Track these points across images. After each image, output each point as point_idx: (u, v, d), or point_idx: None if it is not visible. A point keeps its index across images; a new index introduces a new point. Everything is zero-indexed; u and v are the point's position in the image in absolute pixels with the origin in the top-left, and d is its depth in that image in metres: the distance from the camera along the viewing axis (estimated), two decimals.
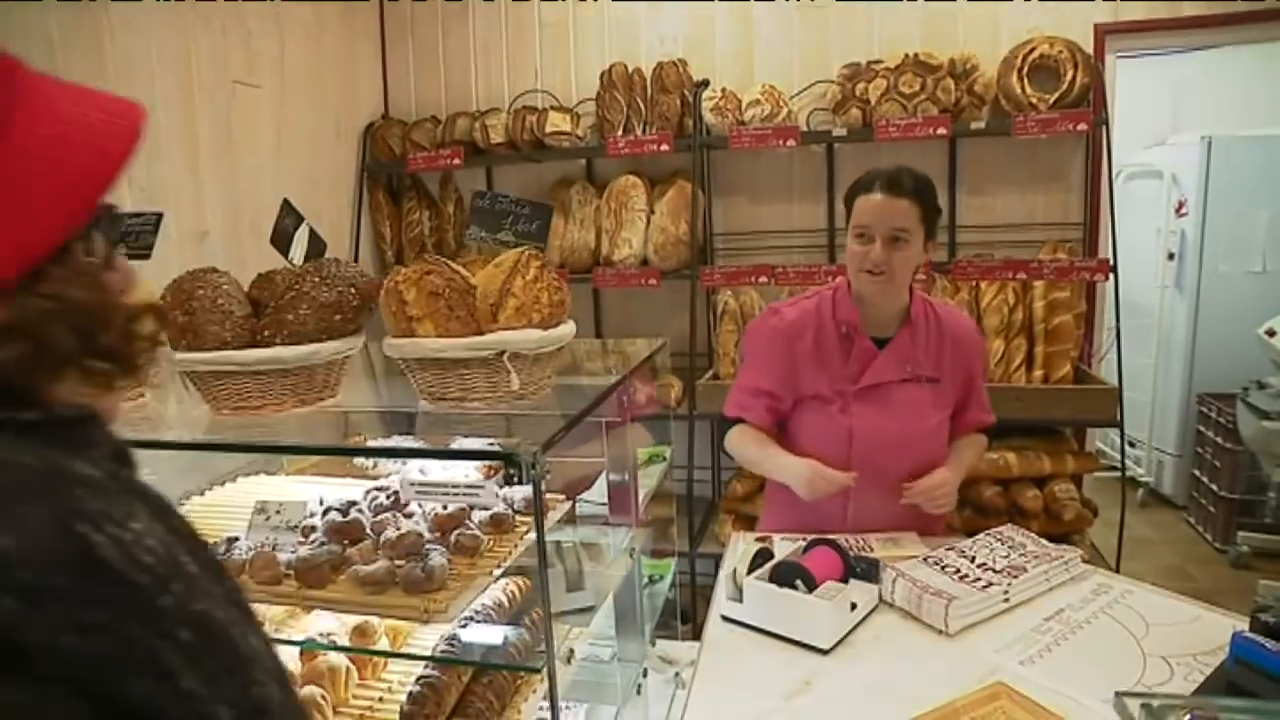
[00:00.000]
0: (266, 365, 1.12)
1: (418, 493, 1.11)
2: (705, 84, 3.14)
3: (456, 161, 3.27)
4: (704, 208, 3.21)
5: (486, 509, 1.20)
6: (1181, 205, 4.51)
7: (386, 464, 1.84)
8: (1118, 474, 3.90)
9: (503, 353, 1.10)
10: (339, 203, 3.43)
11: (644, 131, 3.12)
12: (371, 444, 1.19)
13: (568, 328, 1.24)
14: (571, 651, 1.18)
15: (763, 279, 2.93)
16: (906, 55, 2.93)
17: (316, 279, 1.19)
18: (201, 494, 1.74)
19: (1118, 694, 0.88)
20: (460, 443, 1.02)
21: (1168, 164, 4.58)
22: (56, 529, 0.42)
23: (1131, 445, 4.70)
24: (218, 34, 2.75)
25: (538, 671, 1.09)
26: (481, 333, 1.13)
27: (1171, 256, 4.57)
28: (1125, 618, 1.55)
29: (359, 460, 1.92)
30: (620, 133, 3.12)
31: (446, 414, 1.13)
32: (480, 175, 3.57)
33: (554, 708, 1.04)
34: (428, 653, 1.33)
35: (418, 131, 3.45)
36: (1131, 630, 1.51)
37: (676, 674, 1.86)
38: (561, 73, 3.46)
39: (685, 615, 2.65)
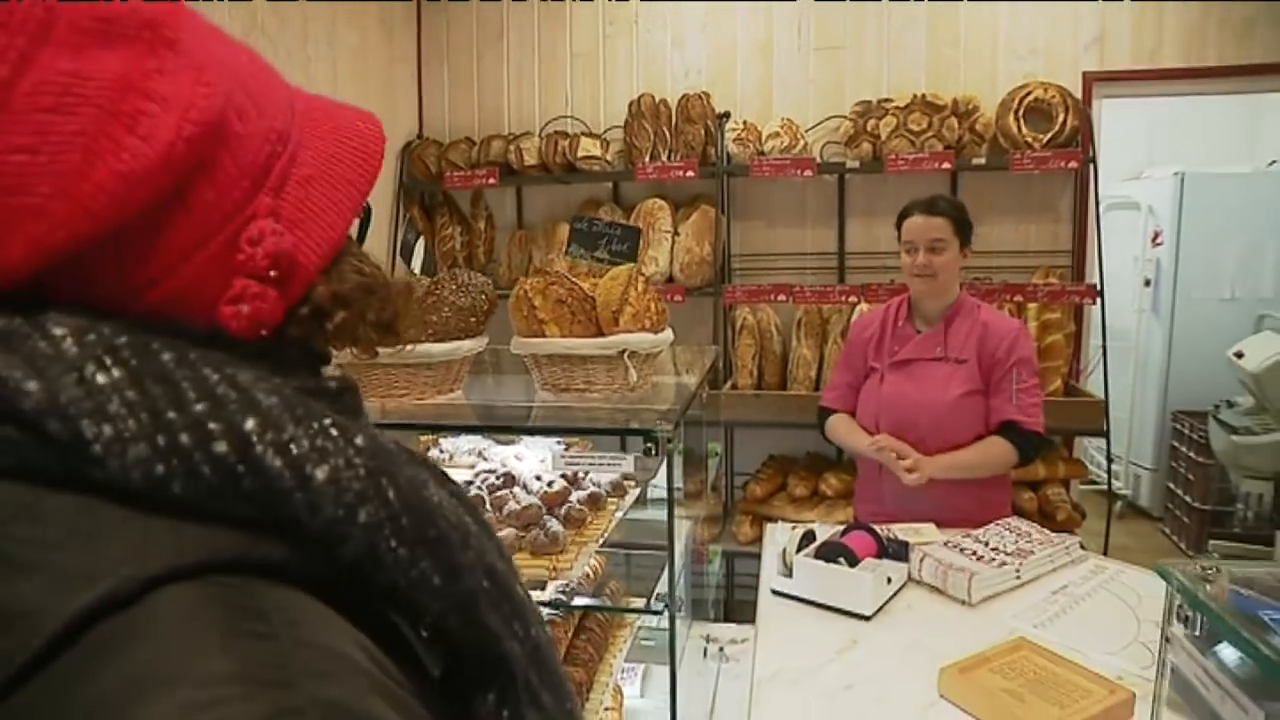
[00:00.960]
0: (416, 359, 1.33)
1: (567, 464, 1.32)
2: (727, 116, 3.40)
3: (492, 181, 3.50)
4: (724, 230, 3.45)
5: (626, 476, 1.42)
6: (1157, 235, 4.83)
7: (463, 456, 2.05)
8: (1099, 487, 4.18)
9: (624, 351, 1.33)
10: (378, 215, 3.63)
11: (670, 158, 3.37)
12: (538, 423, 1.40)
13: (669, 333, 1.47)
14: (682, 600, 1.40)
15: (781, 297, 3.18)
16: (914, 95, 3.21)
17: (453, 286, 1.40)
18: None
19: (1156, 563, 1.10)
20: (597, 423, 1.24)
21: (1144, 197, 4.91)
22: (415, 490, 0.44)
23: (1110, 460, 4.99)
24: (283, 58, 2.96)
25: (660, 614, 1.31)
26: (600, 334, 1.36)
27: (1148, 283, 4.88)
28: (1121, 592, 1.80)
29: (434, 454, 2.13)
30: (648, 159, 3.36)
31: (565, 405, 1.34)
32: (510, 194, 3.80)
33: (672, 634, 1.26)
34: None
35: (454, 152, 3.67)
36: (1127, 602, 1.75)
37: (721, 649, 2.08)
38: (590, 100, 3.70)
39: None
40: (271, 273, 0.46)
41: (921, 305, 2.25)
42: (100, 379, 0.38)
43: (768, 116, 3.40)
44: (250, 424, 0.40)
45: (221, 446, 0.39)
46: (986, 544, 1.94)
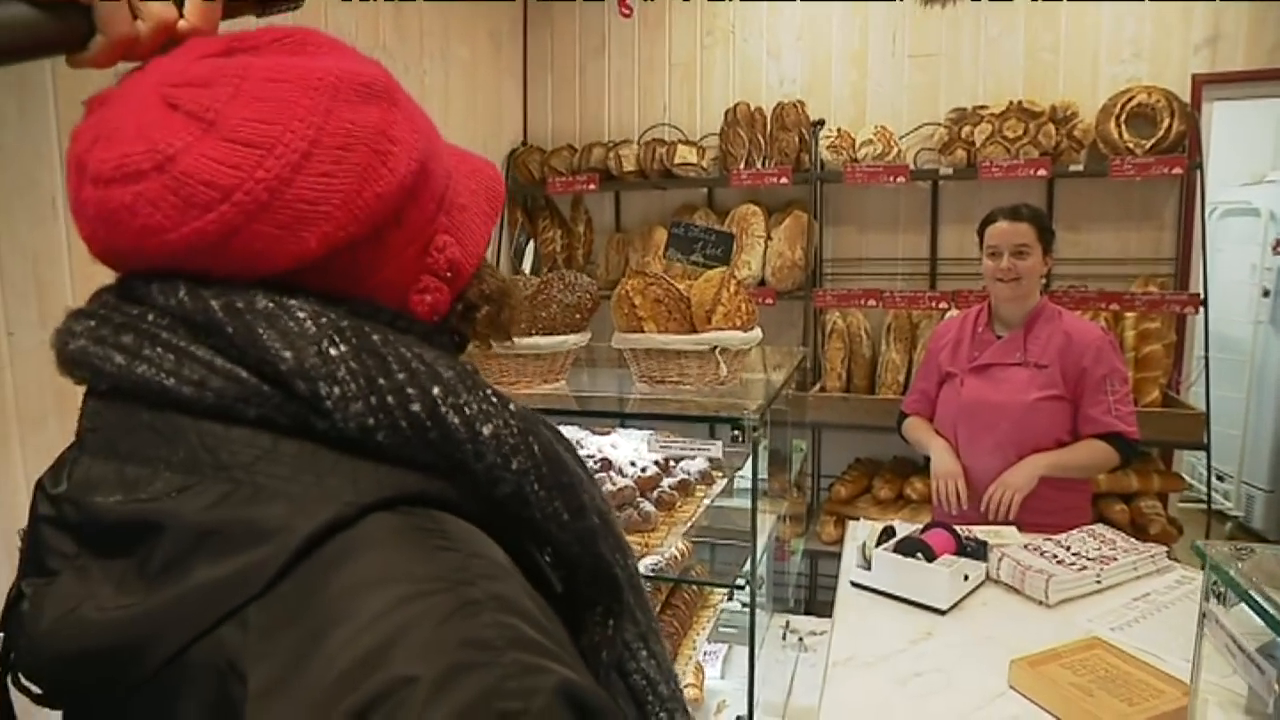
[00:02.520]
0: (527, 350, 1.48)
1: (661, 447, 1.45)
2: (821, 123, 3.46)
3: (592, 186, 3.66)
4: (816, 235, 3.52)
5: (714, 464, 1.54)
6: (1279, 243, 4.60)
7: None
8: (1203, 506, 4.02)
9: (715, 347, 1.45)
10: None
11: (764, 165, 3.46)
12: (636, 409, 1.54)
13: (758, 332, 1.58)
14: (764, 579, 1.50)
15: (871, 302, 3.22)
16: (1010, 102, 3.20)
17: (561, 285, 1.55)
18: None
19: (1194, 543, 1.14)
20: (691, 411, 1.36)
21: (1266, 201, 4.67)
22: (551, 446, 0.56)
23: (1220, 479, 4.77)
24: (401, 71, 3.20)
25: (742, 589, 1.42)
26: (694, 331, 1.48)
27: (1267, 293, 4.65)
28: None
29: None
30: (743, 165, 3.46)
31: (660, 396, 1.47)
32: (609, 199, 3.96)
33: (753, 613, 1.36)
34: None
35: (556, 158, 3.85)
36: None
37: (800, 639, 2.16)
38: (688, 108, 3.83)
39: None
40: (447, 273, 0.61)
41: (1002, 311, 2.29)
42: (333, 351, 0.52)
43: (861, 124, 3.45)
44: (436, 390, 0.53)
45: (416, 406, 0.52)
46: (1068, 548, 1.96)
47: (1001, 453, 2.21)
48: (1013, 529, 2.13)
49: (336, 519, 0.48)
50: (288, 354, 0.51)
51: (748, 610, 1.79)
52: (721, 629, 2.01)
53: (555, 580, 0.58)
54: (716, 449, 1.33)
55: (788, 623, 1.94)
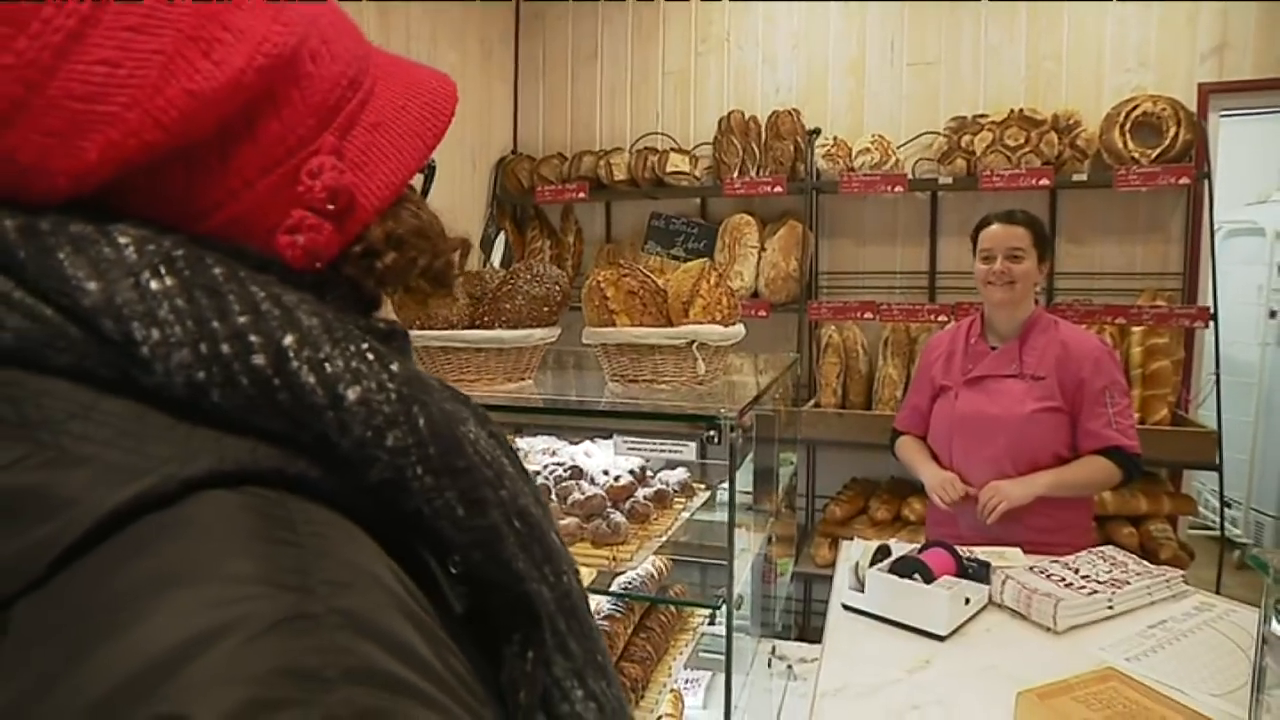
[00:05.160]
0: (488, 344, 1.36)
1: (629, 449, 1.33)
2: (817, 132, 3.37)
3: (582, 195, 3.56)
4: (811, 246, 3.41)
5: (684, 464, 1.41)
6: None
7: (537, 456, 2.07)
8: (1209, 533, 3.87)
9: (693, 342, 1.33)
10: (471, 228, 3.75)
11: (758, 174, 3.36)
12: (603, 408, 1.41)
13: (740, 328, 1.46)
14: (741, 597, 1.37)
15: (868, 315, 3.11)
16: (1011, 110, 3.10)
17: (528, 276, 1.43)
18: None
19: (1250, 554, 1.00)
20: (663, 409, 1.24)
21: (1271, 221, 4.58)
22: (446, 422, 0.45)
23: (1228, 505, 4.63)
24: None
25: (717, 608, 1.29)
26: (670, 325, 1.36)
27: (1274, 314, 4.55)
28: (1231, 632, 1.65)
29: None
30: (736, 174, 3.36)
31: (634, 397, 1.35)
32: (600, 209, 3.85)
33: (729, 635, 1.23)
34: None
35: (546, 167, 3.76)
36: (1238, 643, 1.61)
37: (789, 666, 2.02)
38: (681, 117, 3.74)
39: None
40: (329, 206, 0.49)
41: (996, 320, 2.18)
42: (154, 285, 0.41)
43: (858, 132, 3.36)
44: (289, 340, 0.42)
45: (259, 359, 0.41)
46: (1076, 571, 1.83)
47: (998, 467, 2.10)
48: (1016, 550, 2.00)
49: (147, 493, 0.37)
50: (92, 285, 0.40)
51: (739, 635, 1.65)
52: (705, 654, 1.87)
53: (454, 598, 0.46)
54: (689, 450, 1.20)
55: (774, 648, 1.80)
